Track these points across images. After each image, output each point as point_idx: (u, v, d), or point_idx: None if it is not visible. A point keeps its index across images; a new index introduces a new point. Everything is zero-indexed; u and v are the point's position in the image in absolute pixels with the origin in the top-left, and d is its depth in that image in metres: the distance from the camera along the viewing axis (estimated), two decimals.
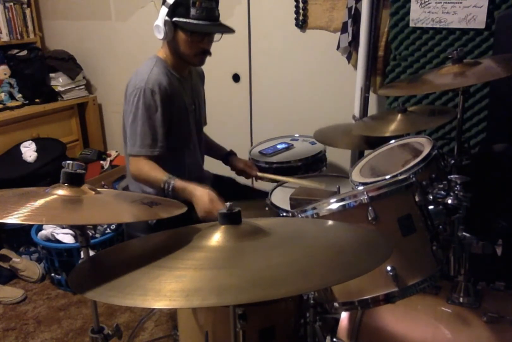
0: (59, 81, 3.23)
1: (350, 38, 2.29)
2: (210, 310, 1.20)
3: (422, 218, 1.17)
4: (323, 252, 0.89)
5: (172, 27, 1.70)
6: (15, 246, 2.69)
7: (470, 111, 2.14)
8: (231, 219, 0.95)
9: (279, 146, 2.24)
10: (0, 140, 2.91)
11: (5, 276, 2.54)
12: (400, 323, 1.34)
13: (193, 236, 0.96)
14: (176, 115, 1.81)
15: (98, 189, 1.13)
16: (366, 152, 1.99)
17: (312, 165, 2.08)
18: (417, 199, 1.17)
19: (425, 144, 1.47)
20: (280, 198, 1.80)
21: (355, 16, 2.26)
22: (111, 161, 3.35)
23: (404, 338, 1.31)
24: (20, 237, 2.66)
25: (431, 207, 1.23)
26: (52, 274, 2.48)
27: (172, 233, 1.09)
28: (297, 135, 2.38)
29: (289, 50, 2.62)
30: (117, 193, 1.31)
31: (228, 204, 0.95)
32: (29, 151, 2.88)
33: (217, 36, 1.77)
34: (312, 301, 1.24)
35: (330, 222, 1.11)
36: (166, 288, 0.76)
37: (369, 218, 1.11)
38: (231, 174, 2.14)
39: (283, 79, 2.69)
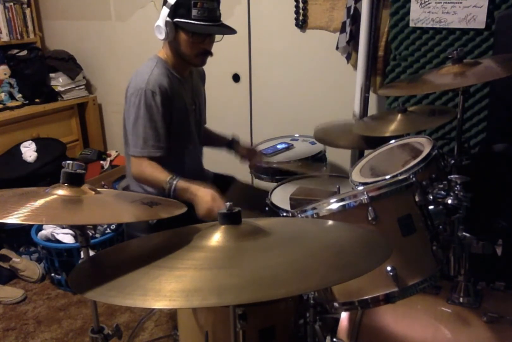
0: (59, 81, 3.23)
1: (348, 38, 2.29)
2: (210, 310, 1.20)
3: (422, 218, 1.17)
4: (323, 252, 0.89)
5: (173, 28, 1.70)
6: (15, 246, 2.69)
7: (470, 111, 2.14)
8: (231, 219, 0.95)
9: (279, 146, 2.24)
10: (0, 140, 2.91)
11: (5, 276, 2.54)
12: (400, 323, 1.34)
13: (193, 236, 0.96)
14: (177, 115, 1.81)
15: (98, 189, 1.13)
16: (366, 152, 1.99)
17: (312, 165, 2.08)
18: (417, 199, 1.17)
19: (425, 144, 1.47)
20: (280, 198, 1.80)
21: (354, 16, 2.26)
22: (111, 161, 3.35)
23: (404, 338, 1.31)
24: (20, 237, 2.66)
25: (431, 207, 1.23)
26: (52, 274, 2.48)
27: (172, 233, 1.09)
28: (297, 135, 2.38)
29: (289, 50, 2.62)
30: (117, 193, 1.31)
31: (228, 204, 0.95)
32: (29, 151, 2.88)
33: (218, 36, 1.77)
34: (312, 301, 1.24)
35: (330, 222, 1.11)
36: (166, 288, 0.76)
37: (369, 218, 1.11)
38: (231, 173, 2.14)
39: (283, 79, 2.69)
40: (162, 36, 1.72)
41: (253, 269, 0.81)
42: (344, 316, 1.40)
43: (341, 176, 1.99)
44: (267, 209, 1.75)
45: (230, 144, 2.10)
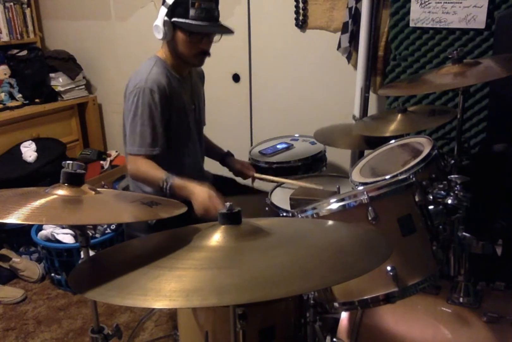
0: (59, 81, 3.23)
1: (349, 38, 2.29)
2: (210, 310, 1.20)
3: (422, 218, 1.17)
4: (323, 252, 0.89)
5: (171, 27, 1.70)
6: (15, 246, 2.69)
7: (470, 111, 2.14)
8: (231, 219, 0.95)
9: (279, 147, 2.24)
10: (0, 140, 2.91)
11: (5, 276, 2.54)
12: (400, 323, 1.34)
13: (193, 236, 0.96)
14: (176, 115, 1.81)
15: (98, 189, 1.13)
16: (366, 152, 1.99)
17: (312, 165, 2.08)
18: (417, 199, 1.17)
19: (425, 144, 1.47)
20: (280, 198, 1.80)
21: (355, 16, 2.26)
22: (111, 161, 3.35)
23: (404, 338, 1.31)
24: (20, 237, 2.66)
25: (431, 207, 1.23)
26: (52, 274, 2.48)
27: (172, 233, 1.09)
28: (297, 135, 2.38)
29: (289, 50, 2.62)
30: (117, 193, 1.31)
31: (228, 204, 0.95)
32: (29, 151, 2.88)
33: (216, 37, 1.77)
34: (312, 301, 1.24)
35: (330, 222, 1.11)
36: (166, 288, 0.76)
37: (369, 218, 1.11)
38: (231, 174, 2.14)
39: (283, 79, 2.69)
40: (160, 35, 1.72)
41: (253, 269, 0.81)
42: (344, 316, 1.40)
43: (341, 176, 1.99)
44: (267, 209, 1.75)
45: (224, 158, 2.10)
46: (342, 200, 1.15)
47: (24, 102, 3.10)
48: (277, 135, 2.39)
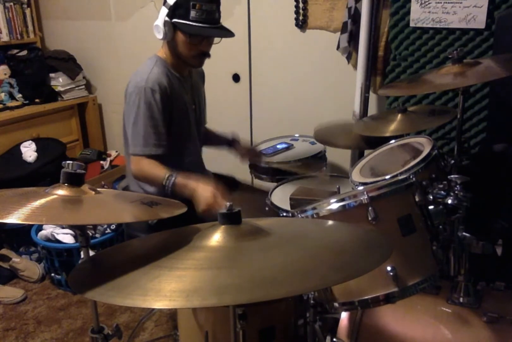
0: (59, 81, 3.23)
1: (348, 38, 2.29)
2: (210, 310, 1.20)
3: (422, 218, 1.17)
4: (323, 252, 0.89)
5: (171, 28, 1.70)
6: (15, 246, 2.69)
7: (470, 111, 2.14)
8: (231, 219, 0.95)
9: (279, 146, 2.24)
10: (0, 140, 2.91)
11: (5, 276, 2.54)
12: (400, 323, 1.34)
13: (193, 236, 0.96)
14: (177, 114, 1.81)
15: (98, 189, 1.13)
16: (366, 152, 1.99)
17: (312, 165, 2.08)
18: (417, 199, 1.17)
19: (425, 144, 1.47)
20: (280, 198, 1.80)
21: (354, 16, 2.26)
22: (111, 161, 3.35)
23: (404, 338, 1.31)
24: (20, 237, 2.66)
25: (431, 207, 1.23)
26: (52, 274, 2.48)
27: (172, 233, 1.09)
28: (297, 135, 2.38)
29: (289, 50, 2.62)
30: (117, 193, 1.31)
31: (228, 204, 0.95)
32: (29, 151, 2.88)
33: (217, 38, 1.77)
34: (312, 301, 1.24)
35: (330, 222, 1.11)
36: (166, 288, 0.76)
37: (369, 218, 1.11)
38: (231, 173, 2.14)
39: (283, 79, 2.69)
40: (160, 35, 1.72)
41: (253, 269, 0.81)
42: (344, 316, 1.40)
43: (341, 176, 1.99)
44: (267, 209, 1.75)
45: (230, 143, 2.09)
46: (342, 200, 1.15)
47: (24, 102, 3.10)
48: (277, 135, 2.39)
